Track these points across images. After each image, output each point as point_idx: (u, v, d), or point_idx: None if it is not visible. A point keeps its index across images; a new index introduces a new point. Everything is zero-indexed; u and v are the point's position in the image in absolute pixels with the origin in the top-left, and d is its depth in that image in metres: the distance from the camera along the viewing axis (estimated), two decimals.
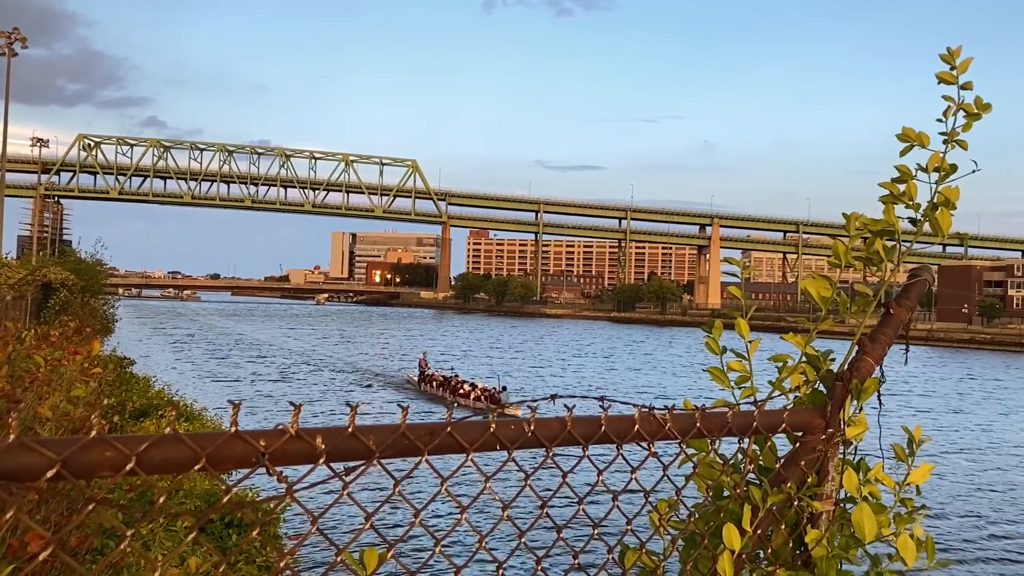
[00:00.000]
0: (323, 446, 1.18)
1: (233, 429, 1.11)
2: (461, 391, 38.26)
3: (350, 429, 1.21)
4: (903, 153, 2.19)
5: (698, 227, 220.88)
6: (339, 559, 1.20)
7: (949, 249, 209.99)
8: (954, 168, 2.17)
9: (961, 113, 2.21)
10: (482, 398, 36.65)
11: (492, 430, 1.36)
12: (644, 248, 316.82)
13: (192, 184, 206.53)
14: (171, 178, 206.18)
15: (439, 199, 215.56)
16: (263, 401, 36.29)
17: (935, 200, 2.12)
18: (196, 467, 1.08)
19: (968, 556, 18.47)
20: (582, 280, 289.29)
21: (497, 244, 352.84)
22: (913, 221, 2.12)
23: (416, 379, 44.03)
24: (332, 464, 1.20)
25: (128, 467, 1.03)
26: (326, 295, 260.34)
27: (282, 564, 1.17)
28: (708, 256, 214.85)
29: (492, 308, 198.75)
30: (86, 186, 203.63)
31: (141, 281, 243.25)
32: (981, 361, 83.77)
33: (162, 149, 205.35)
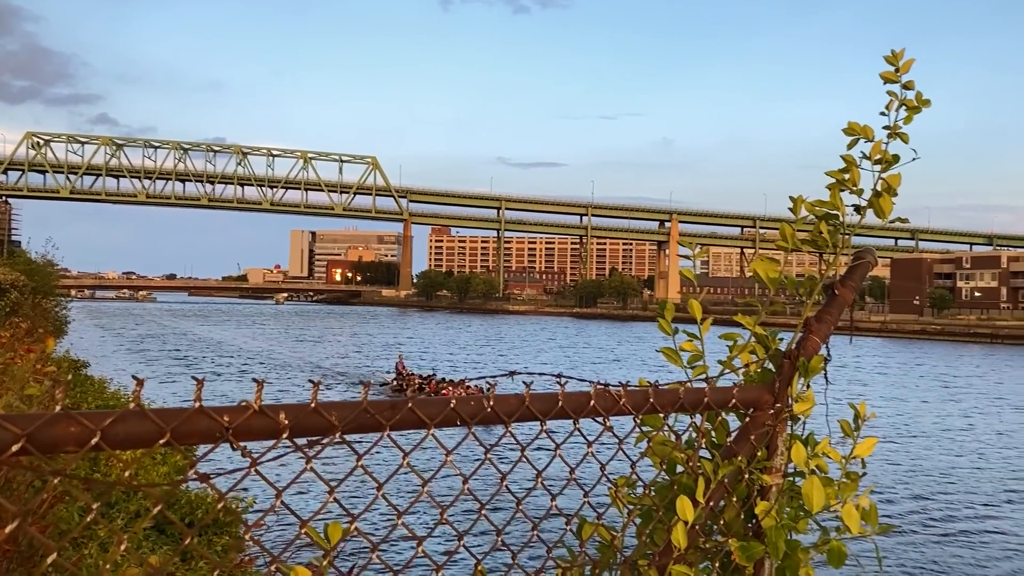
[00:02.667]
0: (286, 421, 1.21)
1: (197, 404, 1.14)
2: (444, 392, 37.19)
3: (313, 405, 1.24)
4: (850, 146, 2.28)
5: (658, 223, 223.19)
6: (302, 531, 1.23)
7: (901, 243, 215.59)
8: (896, 158, 2.28)
9: (903, 108, 2.32)
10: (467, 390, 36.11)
11: (452, 406, 1.40)
12: (605, 244, 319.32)
13: (146, 183, 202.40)
14: (124, 177, 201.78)
15: (400, 196, 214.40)
16: (220, 401, 35.74)
17: (878, 188, 2.22)
18: (161, 441, 1.10)
19: (909, 529, 19.33)
20: (544, 276, 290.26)
21: (459, 241, 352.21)
22: (857, 208, 2.22)
23: (393, 381, 43.09)
24: (295, 439, 1.23)
25: (93, 441, 1.05)
26: (285, 295, 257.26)
27: (247, 537, 1.19)
28: (668, 251, 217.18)
29: (455, 305, 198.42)
30: (35, 185, 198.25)
31: (94, 282, 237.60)
32: (931, 351, 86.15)
33: (114, 147, 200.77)
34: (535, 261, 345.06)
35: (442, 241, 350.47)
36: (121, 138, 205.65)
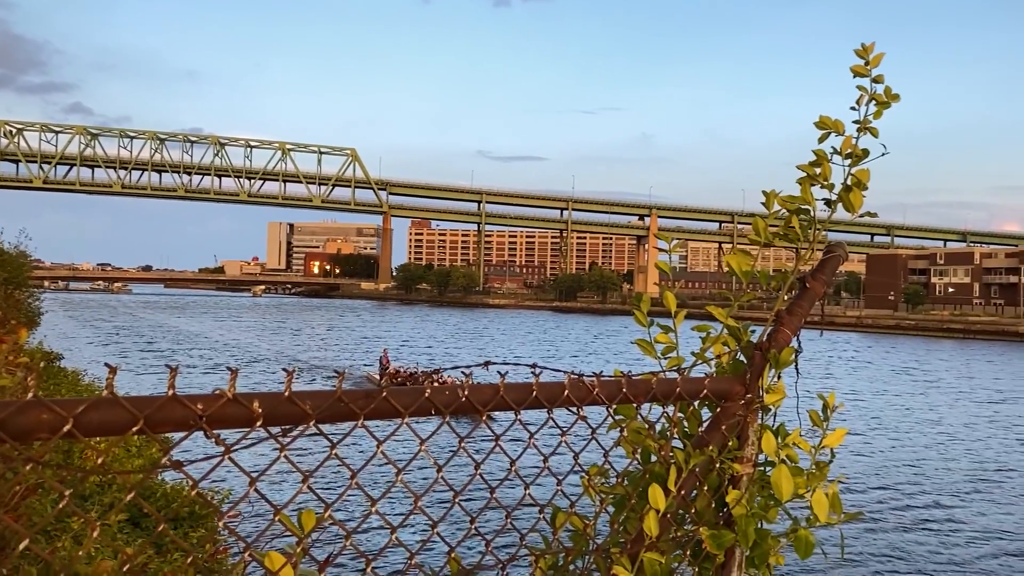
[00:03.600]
0: (260, 410, 1.21)
1: (171, 392, 1.14)
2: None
3: (287, 393, 1.24)
4: (821, 140, 2.31)
5: (637, 217, 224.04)
6: (276, 519, 1.24)
7: (877, 239, 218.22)
8: (866, 153, 2.31)
9: (873, 103, 2.35)
10: None
11: (427, 395, 1.41)
12: (585, 238, 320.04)
13: (122, 173, 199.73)
14: (99, 167, 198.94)
15: (380, 189, 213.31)
16: (196, 393, 35.41)
17: (848, 182, 2.26)
18: (134, 429, 1.11)
19: (878, 519, 19.84)
20: (524, 270, 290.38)
21: (439, 234, 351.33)
22: (828, 202, 2.25)
23: (377, 376, 42.40)
24: (270, 428, 1.24)
25: (65, 428, 1.05)
26: (263, 287, 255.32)
27: (220, 524, 1.20)
28: (647, 246, 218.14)
29: (434, 299, 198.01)
30: (8, 175, 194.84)
31: (68, 273, 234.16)
32: (905, 346, 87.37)
33: (89, 137, 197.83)
34: (515, 255, 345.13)
35: (422, 234, 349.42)
36: (96, 127, 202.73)
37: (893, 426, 34.47)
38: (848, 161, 2.28)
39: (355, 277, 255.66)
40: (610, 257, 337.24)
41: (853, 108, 2.33)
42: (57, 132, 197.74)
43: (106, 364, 1.09)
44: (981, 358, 73.91)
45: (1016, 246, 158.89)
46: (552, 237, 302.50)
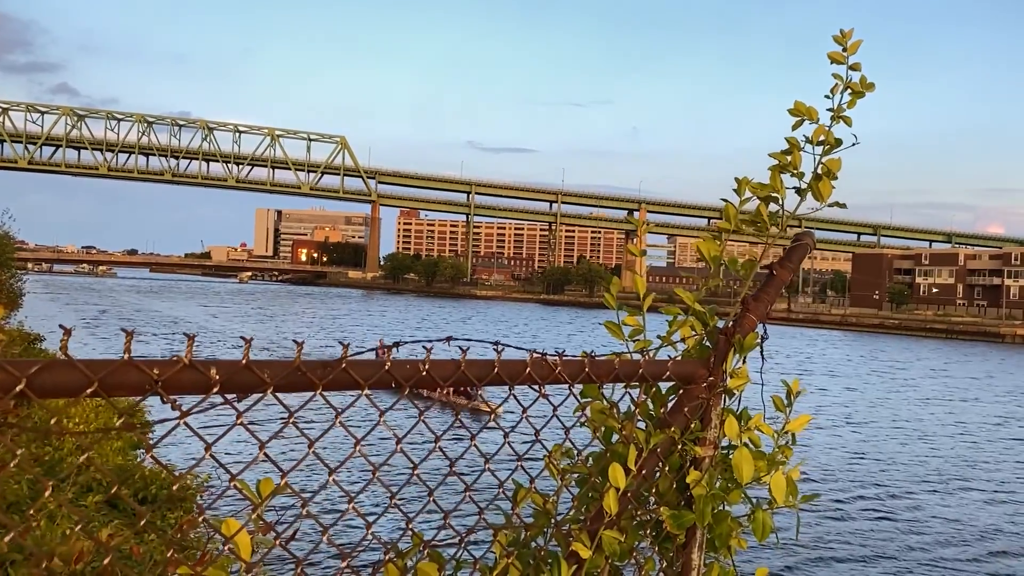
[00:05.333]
0: (217, 376, 1.22)
1: (127, 356, 1.15)
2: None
3: (244, 361, 1.25)
4: (795, 127, 2.32)
5: (626, 212, 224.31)
6: (231, 484, 1.25)
7: (863, 238, 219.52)
8: (839, 142, 2.33)
9: (848, 91, 2.37)
10: (457, 390, 31.84)
11: (387, 368, 1.42)
12: (574, 231, 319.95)
13: (108, 155, 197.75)
14: (85, 148, 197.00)
15: (369, 177, 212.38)
16: None
17: (819, 171, 2.28)
18: (88, 391, 1.11)
19: (849, 510, 20.31)
20: (513, 262, 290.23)
21: (428, 224, 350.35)
22: (798, 190, 2.27)
23: None
24: (227, 396, 1.25)
25: (18, 388, 1.05)
26: (249, 273, 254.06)
27: (175, 488, 1.21)
28: (635, 241, 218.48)
29: (422, 289, 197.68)
30: None
31: (52, 256, 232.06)
32: (887, 345, 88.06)
33: (76, 118, 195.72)
34: (504, 247, 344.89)
35: (411, 224, 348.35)
36: (83, 109, 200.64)
37: (868, 421, 35.18)
38: (820, 150, 2.30)
39: (343, 265, 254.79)
40: (599, 251, 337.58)
41: (827, 96, 2.35)
42: (43, 112, 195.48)
43: (60, 326, 1.09)
44: (960, 358, 74.66)
45: (1000, 248, 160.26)
46: (541, 230, 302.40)
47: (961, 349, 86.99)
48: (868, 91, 2.38)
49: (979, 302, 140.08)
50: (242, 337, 1.25)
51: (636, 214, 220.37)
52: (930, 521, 20.02)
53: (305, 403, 1.32)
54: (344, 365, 1.36)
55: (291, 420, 1.31)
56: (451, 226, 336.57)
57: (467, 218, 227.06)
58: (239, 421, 1.25)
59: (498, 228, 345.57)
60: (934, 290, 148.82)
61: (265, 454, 1.27)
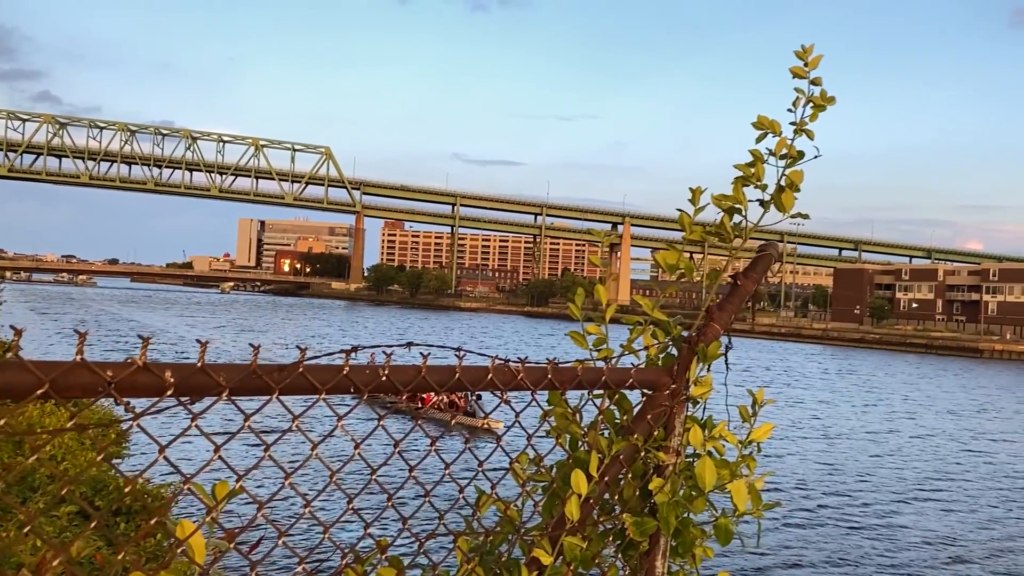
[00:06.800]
0: (172, 379, 1.23)
1: (79, 358, 1.15)
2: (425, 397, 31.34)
3: (200, 364, 1.26)
4: (759, 140, 2.36)
5: (611, 225, 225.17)
6: (186, 487, 1.25)
7: (845, 253, 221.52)
8: (801, 154, 2.37)
9: (810, 105, 2.41)
10: (451, 405, 31.25)
11: (345, 372, 1.43)
12: (559, 244, 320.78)
13: (90, 164, 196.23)
14: (67, 157, 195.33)
15: (353, 188, 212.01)
16: None
17: (782, 183, 2.31)
18: (39, 392, 1.11)
19: (823, 521, 20.57)
20: (497, 274, 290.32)
21: (413, 236, 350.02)
22: (762, 202, 2.31)
23: None
24: (183, 399, 1.25)
25: None
26: (231, 283, 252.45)
27: (127, 489, 1.21)
28: (619, 254, 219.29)
29: (406, 300, 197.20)
30: None
31: (31, 264, 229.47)
32: (867, 359, 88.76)
33: (57, 126, 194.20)
34: (488, 259, 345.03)
35: (395, 235, 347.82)
36: (65, 117, 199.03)
37: (845, 434, 35.70)
38: (784, 162, 2.34)
39: (326, 276, 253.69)
40: (583, 263, 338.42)
41: (790, 110, 2.39)
42: (24, 120, 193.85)
43: (11, 327, 1.10)
44: (938, 373, 75.40)
45: (978, 264, 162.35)
46: (526, 242, 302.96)
47: (940, 364, 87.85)
48: (829, 104, 2.43)
49: (958, 317, 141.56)
50: (198, 341, 1.25)
51: (620, 227, 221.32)
52: (896, 531, 20.46)
53: (261, 407, 1.32)
54: (301, 369, 1.36)
55: (247, 424, 1.31)
56: (436, 238, 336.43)
57: (452, 230, 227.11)
58: (194, 424, 1.25)
59: (483, 240, 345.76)
60: (914, 305, 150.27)
61: (220, 457, 1.27)
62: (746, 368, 62.02)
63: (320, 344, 66.12)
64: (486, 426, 24.21)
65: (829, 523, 20.53)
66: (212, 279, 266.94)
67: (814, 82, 2.36)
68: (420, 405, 31.43)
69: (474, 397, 31.57)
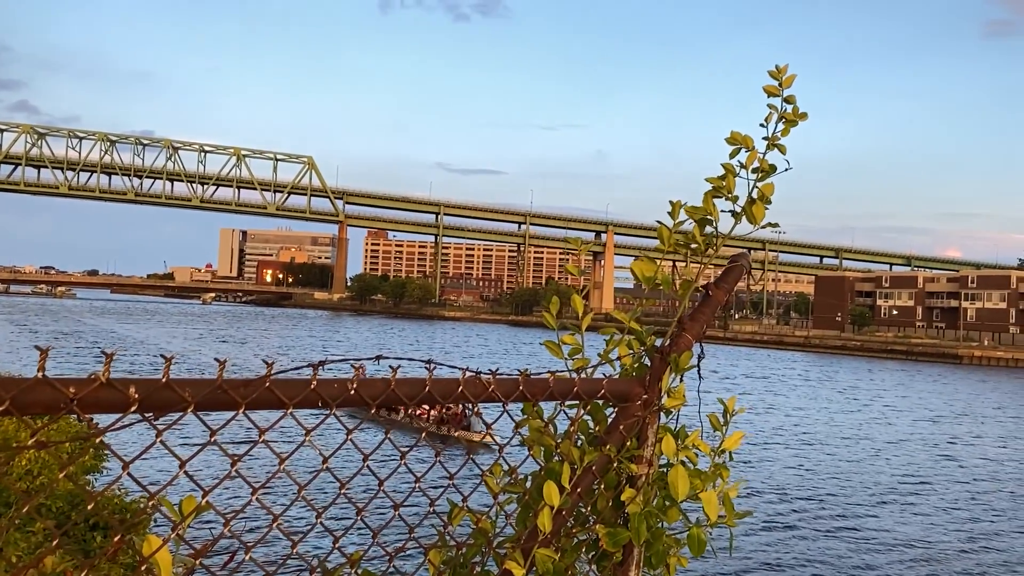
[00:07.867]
0: (136, 395, 1.22)
1: (40, 374, 1.14)
2: (419, 411, 30.77)
3: (164, 379, 1.25)
4: (732, 155, 2.40)
5: (594, 234, 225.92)
6: (151, 503, 1.25)
7: (825, 261, 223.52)
8: (773, 168, 2.40)
9: (782, 121, 2.45)
10: (444, 419, 30.92)
11: (313, 387, 1.43)
12: (543, 253, 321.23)
13: (69, 174, 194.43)
14: (46, 167, 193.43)
15: (336, 198, 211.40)
16: None
17: (753, 195, 2.34)
18: (0, 409, 1.10)
19: (800, 525, 20.87)
20: (481, 283, 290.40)
21: (396, 245, 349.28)
22: (733, 213, 2.33)
23: None
24: (147, 416, 1.24)
25: None
26: (213, 294, 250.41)
27: (90, 507, 1.20)
28: (603, 262, 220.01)
29: (389, 310, 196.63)
30: None
31: (9, 276, 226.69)
32: (848, 366, 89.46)
33: (36, 136, 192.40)
34: (472, 268, 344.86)
35: (379, 245, 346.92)
36: (43, 126, 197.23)
37: (824, 439, 36.08)
38: (755, 176, 2.37)
39: (309, 286, 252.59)
40: (567, 272, 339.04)
41: (762, 125, 2.43)
42: (2, 130, 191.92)
43: None
44: (917, 379, 76.15)
45: (957, 271, 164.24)
46: (510, 251, 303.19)
47: (919, 370, 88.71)
48: (801, 120, 2.47)
49: (937, 324, 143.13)
50: (162, 355, 1.25)
51: (604, 236, 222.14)
52: (872, 533, 20.74)
53: (226, 423, 1.32)
54: (268, 384, 1.36)
55: (212, 439, 1.30)
56: (419, 247, 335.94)
57: (436, 239, 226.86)
58: (158, 439, 1.25)
59: (467, 249, 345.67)
60: (894, 312, 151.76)
61: (186, 473, 1.26)
62: (727, 376, 62.32)
63: (300, 355, 65.79)
64: (486, 440, 24.04)
65: (806, 527, 20.73)
66: (193, 290, 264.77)
67: (787, 100, 2.40)
68: (425, 417, 31.22)
69: (474, 411, 30.63)
